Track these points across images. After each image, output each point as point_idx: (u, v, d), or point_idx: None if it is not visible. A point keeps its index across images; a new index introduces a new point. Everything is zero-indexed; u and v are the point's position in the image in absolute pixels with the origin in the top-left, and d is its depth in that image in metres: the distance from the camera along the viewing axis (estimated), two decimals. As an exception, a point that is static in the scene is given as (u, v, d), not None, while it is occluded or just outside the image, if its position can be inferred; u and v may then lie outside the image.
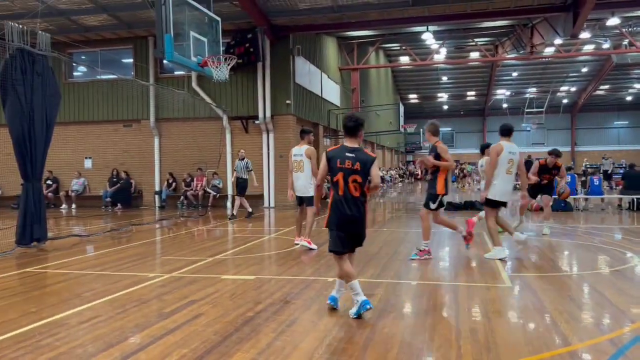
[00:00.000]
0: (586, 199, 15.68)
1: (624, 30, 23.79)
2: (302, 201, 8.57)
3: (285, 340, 4.03)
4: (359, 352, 3.74)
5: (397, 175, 39.60)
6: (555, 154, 10.13)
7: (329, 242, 4.68)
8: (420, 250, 7.45)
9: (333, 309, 4.76)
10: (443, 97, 46.63)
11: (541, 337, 4.02)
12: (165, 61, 12.74)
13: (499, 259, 7.18)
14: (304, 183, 8.47)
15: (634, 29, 25.66)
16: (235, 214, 13.80)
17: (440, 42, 26.57)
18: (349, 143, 4.69)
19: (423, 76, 41.63)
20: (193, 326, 4.41)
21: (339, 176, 4.54)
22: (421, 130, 48.23)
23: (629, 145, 46.60)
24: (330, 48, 23.44)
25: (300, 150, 8.52)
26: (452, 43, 28.93)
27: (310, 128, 9.57)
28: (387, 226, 12.16)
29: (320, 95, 20.91)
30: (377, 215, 15.35)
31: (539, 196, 10.72)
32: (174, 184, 18.23)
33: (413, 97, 47.54)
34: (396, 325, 4.34)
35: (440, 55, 29.90)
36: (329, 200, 4.63)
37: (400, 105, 33.84)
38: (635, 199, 14.57)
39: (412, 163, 50.39)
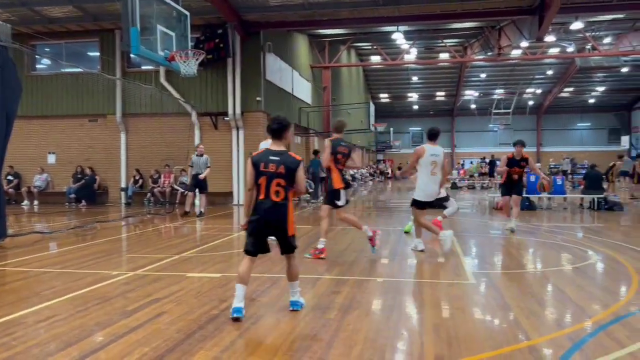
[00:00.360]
0: (549, 198, 16.07)
1: (587, 34, 24.46)
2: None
3: (249, 338, 4.00)
4: (324, 349, 3.74)
5: (368, 174, 39.84)
6: (520, 143, 10.13)
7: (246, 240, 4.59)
8: (319, 250, 7.38)
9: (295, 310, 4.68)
10: (413, 97, 47.08)
11: (502, 333, 4.10)
12: (132, 55, 12.47)
13: (419, 250, 7.68)
14: None
15: (597, 33, 26.41)
16: (203, 210, 13.65)
17: (411, 42, 26.82)
18: (274, 146, 4.60)
19: (394, 76, 41.96)
20: (156, 324, 4.34)
21: (262, 180, 4.46)
22: (391, 129, 48.74)
23: (591, 146, 47.96)
24: (302, 45, 23.40)
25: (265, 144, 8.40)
26: (422, 43, 29.23)
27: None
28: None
29: (291, 92, 20.86)
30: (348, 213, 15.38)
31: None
32: (140, 181, 17.92)
33: (384, 97, 47.86)
34: (361, 322, 4.36)
35: (411, 56, 30.18)
36: (253, 201, 4.56)
37: (371, 104, 34.01)
38: (595, 199, 15.01)
39: (382, 162, 50.78)
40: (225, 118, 17.19)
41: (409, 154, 51.92)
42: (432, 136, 7.81)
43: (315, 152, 21.48)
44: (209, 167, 13.51)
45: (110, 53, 17.77)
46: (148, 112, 17.42)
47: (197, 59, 12.04)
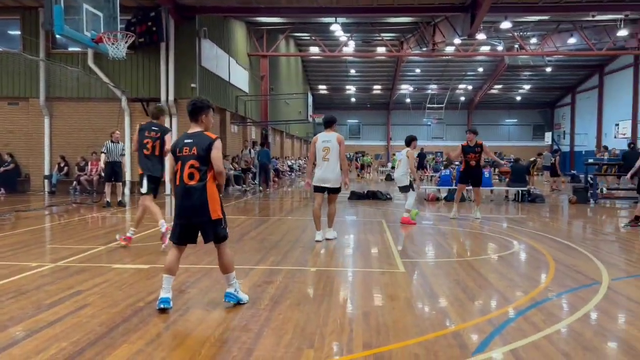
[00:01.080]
0: (478, 190, 16.72)
1: (515, 34, 25.58)
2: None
3: (176, 330, 3.89)
4: (253, 340, 3.70)
5: (306, 165, 39.96)
6: (472, 131, 11.00)
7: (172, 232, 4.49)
8: (125, 237, 7.41)
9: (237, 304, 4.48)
10: (351, 89, 47.56)
11: (428, 319, 4.21)
12: (57, 35, 11.78)
13: (320, 240, 7.83)
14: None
15: (524, 33, 27.69)
16: (119, 200, 13.11)
17: (349, 34, 27.01)
18: (191, 128, 4.41)
19: (332, 68, 42.18)
20: (76, 318, 4.13)
21: (178, 165, 4.30)
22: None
23: (517, 141, 50.43)
24: (239, 33, 23.01)
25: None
26: (360, 36, 29.53)
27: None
28: (292, 215, 12.21)
29: (228, 80, 20.48)
30: (284, 203, 15.37)
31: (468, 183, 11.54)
32: (65, 168, 17.06)
33: (322, 88, 48.06)
34: (292, 311, 4.35)
35: (349, 48, 30.42)
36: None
37: (310, 95, 34.04)
38: (519, 191, 15.77)
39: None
40: (158, 104, 16.60)
41: (346, 146, 52.65)
42: (326, 124, 8.07)
43: (262, 144, 21.39)
44: (123, 155, 12.96)
45: (33, 32, 16.72)
46: (74, 96, 16.59)
47: (126, 42, 11.55)
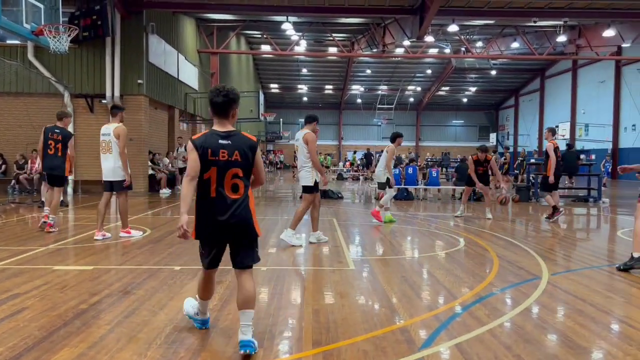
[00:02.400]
0: (425, 189, 17.11)
1: (462, 37, 26.31)
2: (112, 186, 7.94)
3: (120, 332, 3.77)
4: (200, 341, 3.64)
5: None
6: (482, 149, 11.73)
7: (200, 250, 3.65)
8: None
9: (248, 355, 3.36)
10: (303, 88, 47.62)
11: (376, 316, 4.26)
12: (-7, 26, 11.19)
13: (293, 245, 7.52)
14: (113, 165, 7.73)
15: (471, 37, 28.52)
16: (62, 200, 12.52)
17: (300, 34, 27.01)
18: (219, 127, 3.51)
19: (284, 66, 42.09)
20: (13, 322, 3.94)
21: (212, 172, 3.38)
22: (281, 120, 48.92)
23: (464, 142, 51.93)
24: (189, 29, 22.58)
25: (109, 129, 7.74)
26: (311, 36, 29.59)
27: (122, 105, 9.77)
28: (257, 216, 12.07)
29: (176, 77, 20.06)
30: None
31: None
32: (3, 167, 16.24)
33: (274, 87, 47.88)
34: (241, 311, 4.29)
35: (301, 47, 30.42)
36: (195, 200, 3.49)
37: (261, 93, 33.84)
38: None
39: (272, 152, 50.82)
40: (103, 101, 16.12)
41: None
42: (305, 120, 7.92)
43: None
44: None
45: (-34, 22, 15.82)
46: (13, 90, 15.84)
47: (69, 35, 11.10)
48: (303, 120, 8.14)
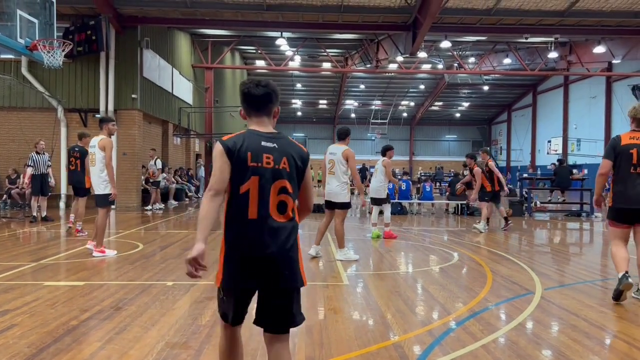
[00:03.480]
0: (419, 204, 17.14)
1: (455, 53, 26.56)
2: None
3: (112, 349, 3.73)
4: (193, 357, 3.60)
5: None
6: (470, 156, 11.77)
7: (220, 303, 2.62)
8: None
9: None
10: (297, 103, 47.78)
11: (370, 332, 4.24)
12: (-13, 41, 11.19)
13: (315, 255, 7.60)
14: (96, 178, 7.58)
15: (463, 53, 28.79)
16: (44, 215, 12.38)
17: (295, 49, 27.18)
18: (259, 126, 2.63)
19: (278, 81, 42.18)
20: (2, 339, 3.89)
21: (252, 183, 2.45)
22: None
23: (457, 156, 52.10)
24: (183, 44, 22.68)
25: (94, 142, 7.70)
26: (305, 51, 29.75)
27: (111, 117, 10.32)
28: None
29: (171, 91, 20.10)
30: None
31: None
32: (-5, 181, 16.13)
33: (268, 102, 48.01)
34: (234, 327, 4.26)
35: (295, 62, 30.58)
36: (223, 226, 2.50)
37: (255, 108, 33.87)
38: (459, 204, 16.26)
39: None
40: (97, 115, 16.09)
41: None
42: (339, 135, 7.84)
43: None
44: (49, 166, 12.44)
45: (-40, 37, 15.82)
46: (6, 105, 15.82)
47: (63, 50, 11.12)
48: (337, 133, 7.91)
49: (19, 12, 10.25)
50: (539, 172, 24.15)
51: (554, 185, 17.32)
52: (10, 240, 9.44)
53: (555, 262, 7.96)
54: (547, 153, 36.60)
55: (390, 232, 10.27)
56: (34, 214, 12.27)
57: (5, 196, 15.70)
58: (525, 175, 20.36)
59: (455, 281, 6.35)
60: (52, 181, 12.53)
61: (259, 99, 2.63)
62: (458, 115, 51.11)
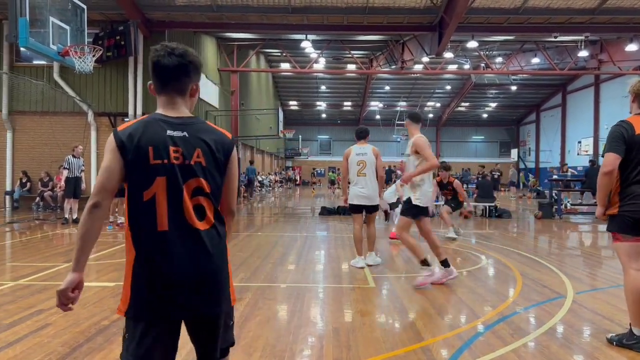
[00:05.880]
0: (446, 206, 16.93)
1: (481, 53, 26.24)
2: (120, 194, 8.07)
3: (142, 349, 3.78)
4: (221, 358, 3.62)
5: (276, 180, 39.83)
6: (444, 167, 10.87)
7: (124, 343, 2.06)
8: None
9: None
10: (322, 105, 47.87)
11: (398, 334, 4.21)
12: (21, 48, 11.53)
13: (359, 267, 7.20)
14: None
15: (490, 52, 28.44)
16: (76, 217, 12.58)
17: (319, 51, 27.25)
18: (168, 109, 2.13)
19: (303, 84, 42.42)
20: (37, 338, 3.99)
21: (158, 186, 1.99)
22: (300, 136, 49.16)
23: (484, 158, 51.46)
24: (210, 48, 22.94)
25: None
26: (330, 53, 29.80)
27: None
28: (262, 230, 12.11)
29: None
30: (254, 219, 15.25)
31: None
32: (28, 184, 16.58)
33: (293, 104, 48.22)
34: (261, 328, 4.29)
35: (319, 65, 30.66)
36: (126, 243, 2.08)
37: (280, 110, 34.11)
38: (487, 207, 16.04)
39: (291, 169, 51.02)
40: (125, 119, 16.38)
41: (317, 161, 52.81)
42: (360, 134, 7.54)
43: (251, 162, 21.64)
44: (83, 170, 12.76)
45: (-4, 45, 16.34)
46: (39, 110, 16.23)
47: (93, 55, 11.38)
48: (358, 132, 7.59)
49: (51, 19, 10.54)
50: (569, 173, 23.60)
51: (585, 187, 16.94)
52: (43, 242, 9.68)
53: (587, 265, 7.77)
54: (578, 154, 35.84)
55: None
56: (66, 215, 12.56)
57: (38, 198, 16.11)
58: (555, 176, 19.95)
59: (484, 284, 6.26)
60: (84, 185, 12.82)
61: (171, 72, 2.08)
62: (485, 116, 50.47)
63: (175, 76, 2.09)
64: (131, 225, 2.02)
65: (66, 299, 2.01)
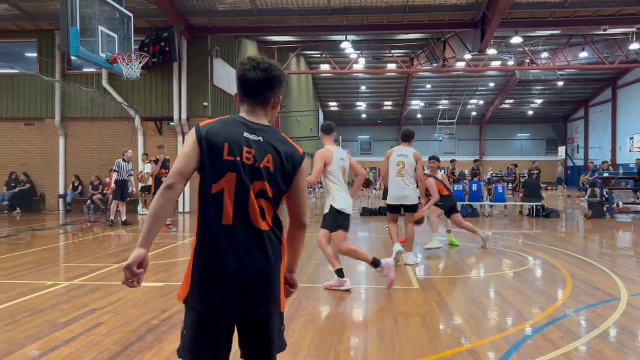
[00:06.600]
0: (491, 206, 16.62)
1: (526, 48, 25.57)
2: None
3: (190, 348, 3.87)
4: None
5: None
6: (434, 157, 10.11)
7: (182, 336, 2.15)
8: None
9: None
10: (362, 105, 47.71)
11: (443, 337, 4.16)
12: (72, 56, 12.01)
13: (401, 251, 7.25)
14: None
15: (535, 48, 27.66)
16: (124, 219, 13.11)
17: (359, 51, 27.19)
18: (250, 115, 2.22)
19: (343, 84, 42.39)
20: (91, 336, 4.14)
21: (227, 181, 2.07)
22: (340, 137, 49.09)
23: (530, 156, 49.99)
24: (251, 51, 23.26)
25: None
26: (370, 53, 29.70)
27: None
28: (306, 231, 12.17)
29: (239, 98, 20.63)
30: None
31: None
32: (80, 187, 17.23)
33: (333, 105, 48.26)
34: (306, 329, 4.32)
35: (359, 65, 30.58)
36: (195, 230, 2.14)
37: (321, 111, 34.21)
38: (534, 206, 15.62)
39: (331, 169, 51.00)
40: (170, 123, 16.82)
41: (357, 162, 52.64)
42: (405, 137, 7.55)
43: None
44: (131, 174, 13.19)
45: (49, 54, 17.03)
46: (89, 115, 16.81)
47: (140, 62, 11.73)
48: (403, 134, 7.57)
49: (100, 28, 10.94)
50: (620, 170, 22.70)
51: (638, 185, 16.27)
52: (94, 243, 10.05)
53: (642, 266, 7.46)
54: (630, 150, 34.37)
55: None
56: (112, 217, 12.99)
57: (88, 201, 16.72)
58: (605, 174, 19.21)
59: (532, 286, 6.10)
60: (132, 188, 13.27)
61: (256, 85, 2.18)
62: (531, 112, 49.10)
63: (259, 90, 2.20)
64: (199, 216, 2.12)
65: (131, 275, 2.06)
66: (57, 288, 5.89)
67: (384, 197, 12.51)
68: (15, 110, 17.32)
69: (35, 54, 17.49)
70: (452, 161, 20.35)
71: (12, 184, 17.04)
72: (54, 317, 4.69)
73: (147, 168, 15.94)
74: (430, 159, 10.03)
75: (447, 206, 9.11)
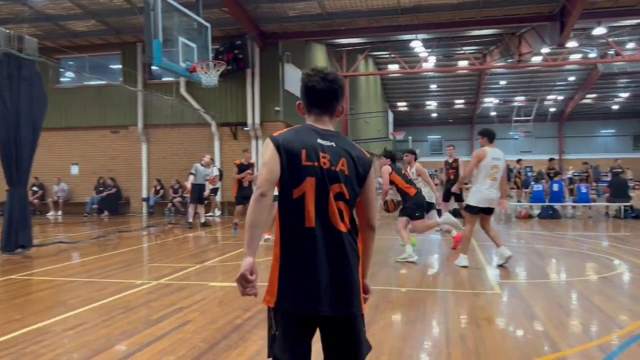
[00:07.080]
0: (574, 207, 15.80)
1: (610, 39, 24.11)
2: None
3: (273, 348, 3.98)
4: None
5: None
6: (409, 152, 9.51)
7: (268, 338, 2.30)
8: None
9: None
10: (432, 105, 46.86)
11: (530, 344, 4.01)
12: (153, 67, 12.67)
13: (462, 266, 7.06)
14: None
15: (620, 38, 26.01)
16: (203, 221, 13.75)
17: (429, 50, 26.74)
18: (318, 122, 2.31)
19: (412, 84, 41.84)
20: (180, 333, 4.35)
21: (308, 185, 2.14)
22: (410, 138, 48.50)
23: (615, 153, 46.97)
24: (320, 55, 23.50)
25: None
26: (440, 51, 29.11)
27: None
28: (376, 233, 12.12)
29: (310, 102, 20.88)
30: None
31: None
32: (161, 191, 18.10)
33: (402, 105, 47.74)
34: (386, 332, 4.31)
35: (429, 64, 30.05)
36: (274, 239, 2.21)
37: (390, 112, 33.95)
38: (621, 207, 14.70)
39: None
40: (245, 128, 17.31)
41: (428, 162, 51.69)
42: (493, 137, 7.36)
43: None
44: (207, 179, 13.68)
45: (131, 65, 18.04)
46: (169, 122, 17.63)
47: (218, 70, 12.17)
48: (491, 135, 7.39)
49: (180, 38, 11.46)
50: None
51: None
52: (175, 244, 10.53)
53: None
54: None
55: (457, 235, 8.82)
56: (190, 220, 13.53)
57: (169, 204, 17.53)
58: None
59: (623, 291, 5.76)
60: (206, 193, 13.80)
61: (324, 95, 2.31)
62: (615, 107, 46.21)
63: (327, 100, 2.31)
64: (281, 221, 2.18)
65: (246, 282, 2.13)
66: (146, 287, 6.22)
67: (446, 198, 12.16)
68: (102, 119, 18.49)
69: (119, 66, 18.59)
70: (519, 161, 19.62)
71: (100, 189, 18.18)
72: (146, 315, 4.97)
73: (215, 171, 16.45)
74: (404, 152, 9.55)
75: (414, 208, 7.98)
